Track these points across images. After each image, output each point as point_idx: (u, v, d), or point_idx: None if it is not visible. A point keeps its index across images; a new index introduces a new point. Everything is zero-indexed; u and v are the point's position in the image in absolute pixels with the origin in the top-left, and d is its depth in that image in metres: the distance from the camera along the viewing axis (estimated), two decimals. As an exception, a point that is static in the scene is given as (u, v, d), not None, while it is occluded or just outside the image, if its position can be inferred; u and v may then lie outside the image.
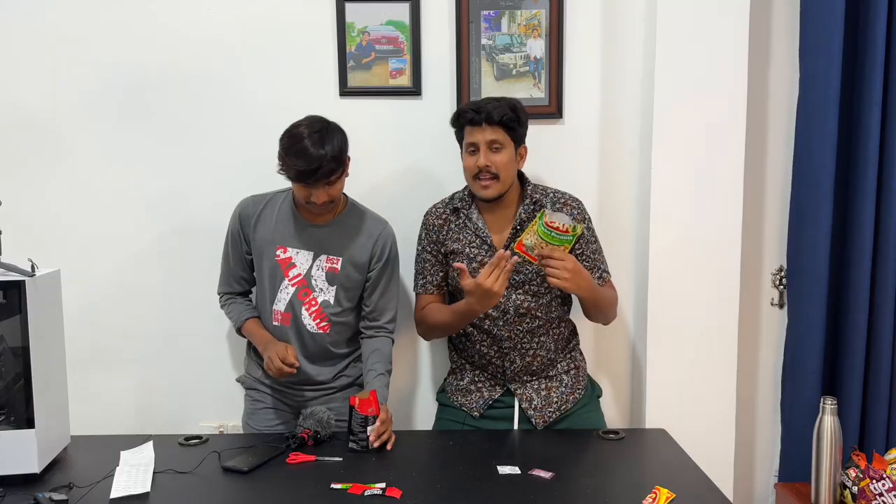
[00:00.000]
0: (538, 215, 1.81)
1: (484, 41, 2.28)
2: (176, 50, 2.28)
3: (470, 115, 1.95)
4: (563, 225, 1.78)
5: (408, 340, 2.38)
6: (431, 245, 2.07)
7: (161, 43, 2.28)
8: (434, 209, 2.10)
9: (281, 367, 1.89)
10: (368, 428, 1.82)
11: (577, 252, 2.02)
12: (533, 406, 2.03)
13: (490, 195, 1.96)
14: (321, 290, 2.04)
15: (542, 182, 2.17)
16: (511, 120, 1.93)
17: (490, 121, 1.92)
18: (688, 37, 2.18)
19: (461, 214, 2.05)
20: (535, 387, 2.04)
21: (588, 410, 2.10)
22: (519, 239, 1.83)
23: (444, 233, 2.05)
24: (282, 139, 1.92)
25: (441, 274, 2.07)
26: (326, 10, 2.28)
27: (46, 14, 2.25)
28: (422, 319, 2.09)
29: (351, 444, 1.84)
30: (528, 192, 2.03)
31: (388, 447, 1.85)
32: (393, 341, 2.11)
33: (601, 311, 2.05)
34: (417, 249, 2.12)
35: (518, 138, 1.98)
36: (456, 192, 2.10)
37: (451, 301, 2.08)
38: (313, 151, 1.85)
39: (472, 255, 2.01)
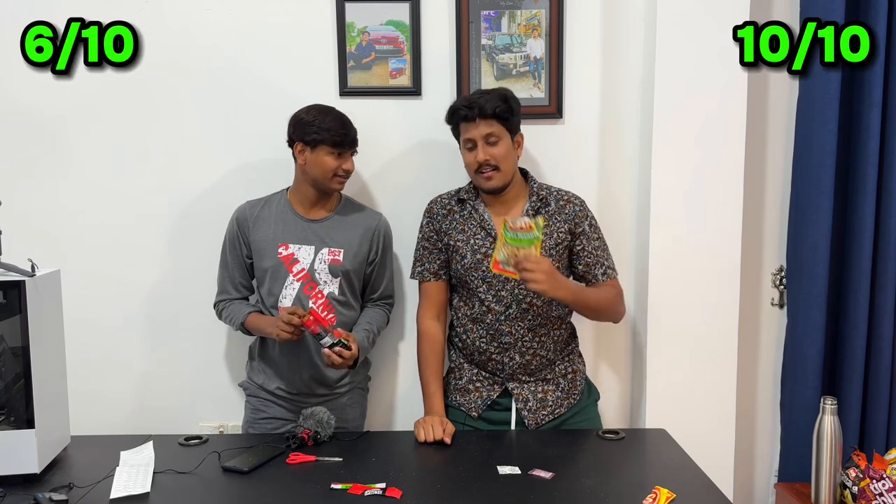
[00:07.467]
0: (502, 229, 1.83)
1: (484, 41, 2.28)
2: (175, 50, 2.28)
3: (463, 112, 1.96)
4: (525, 223, 1.79)
5: (406, 340, 2.38)
6: (433, 234, 2.08)
7: (160, 43, 2.28)
8: (439, 199, 2.11)
9: (291, 318, 1.89)
10: (322, 340, 1.89)
11: (578, 249, 2.03)
12: (528, 407, 2.03)
13: (494, 185, 1.98)
14: (325, 282, 2.07)
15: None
16: (504, 111, 1.95)
17: (483, 115, 1.94)
18: (687, 36, 2.18)
19: (467, 206, 2.06)
20: (532, 388, 2.04)
21: (584, 415, 2.10)
22: (493, 257, 1.84)
23: (448, 223, 2.06)
24: (306, 114, 2.02)
25: (438, 262, 2.09)
26: (326, 10, 2.28)
27: (47, 13, 2.25)
28: (420, 340, 2.10)
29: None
30: (535, 189, 2.05)
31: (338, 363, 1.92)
32: (386, 314, 2.21)
33: (599, 312, 2.04)
34: (418, 237, 2.13)
35: (513, 128, 1.99)
36: (462, 187, 2.11)
37: (452, 291, 2.11)
38: (346, 117, 2.04)
39: (475, 247, 2.02)
